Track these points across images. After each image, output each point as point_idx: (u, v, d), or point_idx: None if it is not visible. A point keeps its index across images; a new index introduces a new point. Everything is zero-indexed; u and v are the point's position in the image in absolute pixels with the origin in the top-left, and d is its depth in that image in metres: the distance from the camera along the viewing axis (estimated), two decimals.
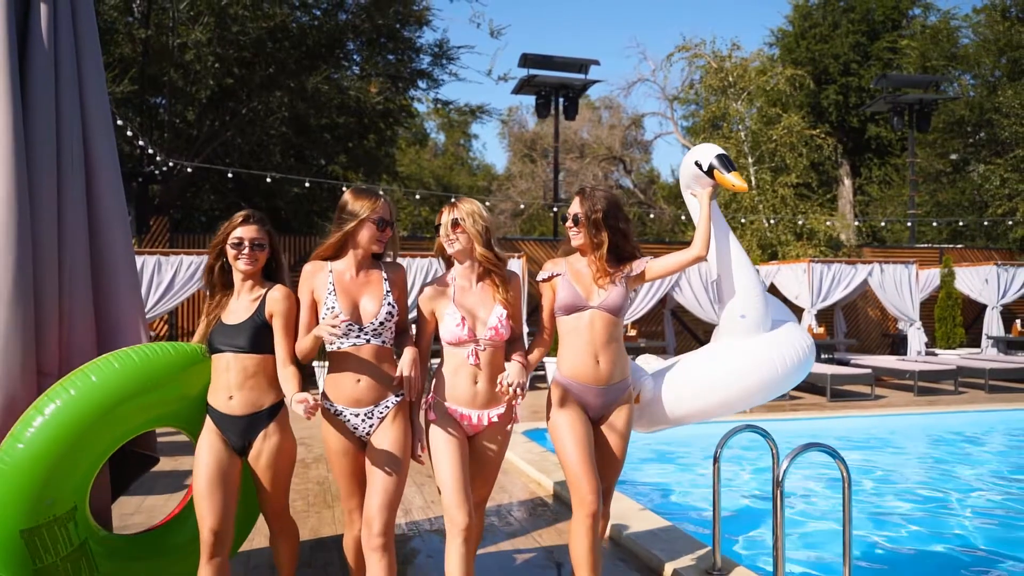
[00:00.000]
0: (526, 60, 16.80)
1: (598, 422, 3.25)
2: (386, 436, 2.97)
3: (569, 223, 3.25)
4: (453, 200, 3.08)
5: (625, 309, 3.25)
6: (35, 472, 2.69)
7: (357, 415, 2.97)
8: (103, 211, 3.30)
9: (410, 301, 11.86)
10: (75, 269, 3.16)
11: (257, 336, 3.02)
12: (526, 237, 22.02)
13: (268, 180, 13.60)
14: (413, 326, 3.20)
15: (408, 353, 3.00)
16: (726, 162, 3.35)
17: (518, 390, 2.88)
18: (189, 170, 13.46)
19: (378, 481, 2.92)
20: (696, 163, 3.41)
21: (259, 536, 4.72)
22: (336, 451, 3.02)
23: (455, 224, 3.01)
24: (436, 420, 3.04)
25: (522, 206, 33.47)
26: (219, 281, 3.14)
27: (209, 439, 3.03)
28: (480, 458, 3.13)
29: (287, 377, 2.99)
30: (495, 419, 3.07)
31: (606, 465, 3.25)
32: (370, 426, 2.99)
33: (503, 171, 41.61)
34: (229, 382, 3.01)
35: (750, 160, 16.95)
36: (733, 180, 3.30)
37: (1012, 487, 6.62)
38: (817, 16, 27.68)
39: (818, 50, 26.67)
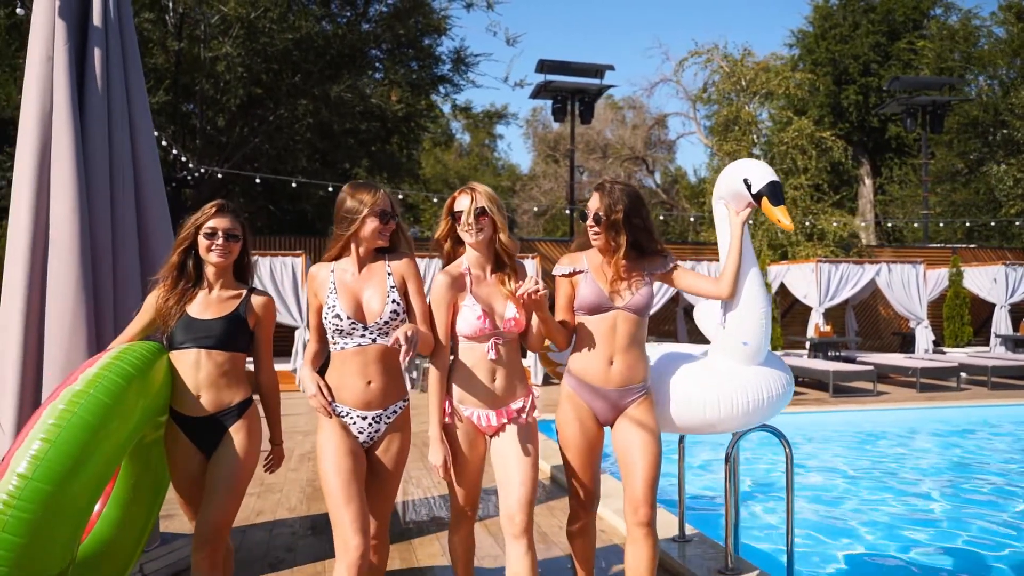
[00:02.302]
0: (543, 66, 17.30)
1: (612, 422, 3.07)
2: (394, 445, 2.89)
3: (589, 221, 3.02)
4: (471, 186, 2.89)
5: (650, 308, 3.09)
6: (67, 514, 2.45)
7: (365, 418, 2.82)
8: (149, 222, 3.83)
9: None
10: (127, 271, 3.69)
11: (234, 333, 2.90)
12: (544, 238, 22.50)
13: (293, 185, 14.23)
14: None
15: (407, 324, 2.68)
16: (778, 192, 3.06)
17: (538, 283, 2.73)
18: (220, 175, 14.13)
19: (381, 490, 2.90)
20: (745, 181, 3.11)
21: (281, 509, 5.28)
22: (337, 451, 2.76)
23: (482, 213, 2.83)
24: (452, 427, 2.91)
25: (535, 209, 33.83)
26: (191, 276, 2.94)
27: (180, 446, 2.90)
28: (505, 459, 2.92)
29: (270, 403, 3.05)
30: (514, 412, 2.92)
31: (633, 470, 2.97)
32: (376, 431, 2.85)
33: (527, 171, 42.11)
34: (198, 380, 2.86)
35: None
36: (780, 216, 3.01)
37: (996, 478, 6.98)
38: (837, 16, 27.81)
39: (838, 51, 26.81)
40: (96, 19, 3.66)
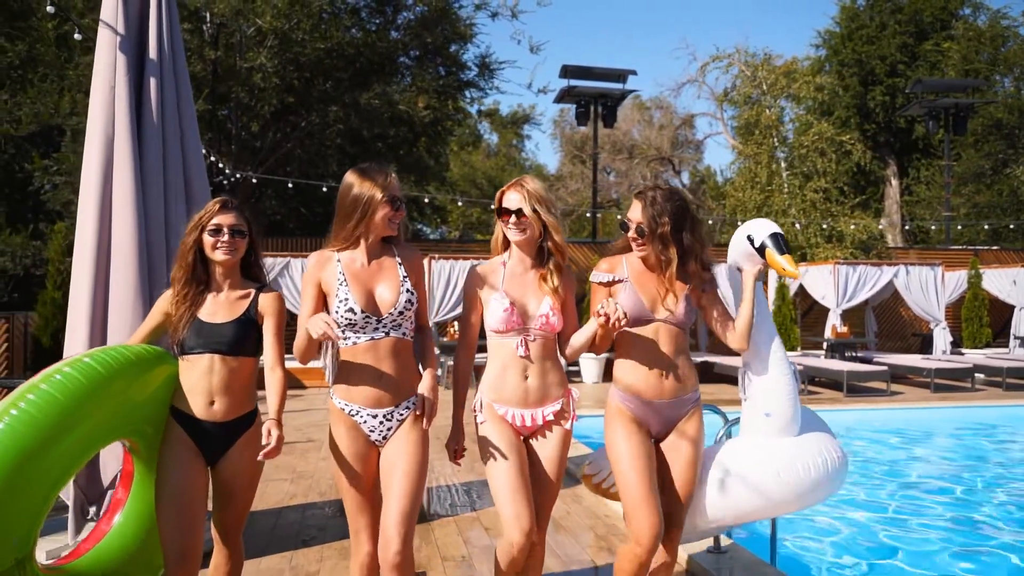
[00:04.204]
0: (566, 71, 17.69)
1: (662, 437, 2.96)
2: (406, 442, 2.70)
3: (632, 234, 2.87)
4: (522, 183, 2.81)
5: (692, 321, 2.94)
6: (12, 509, 2.33)
7: (375, 416, 2.70)
8: None
9: (441, 303, 12.72)
10: None
11: (245, 336, 2.81)
12: (568, 239, 22.84)
13: (324, 189, 14.77)
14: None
15: (428, 377, 2.72)
16: (780, 243, 3.01)
17: (626, 315, 2.59)
18: (254, 179, 14.71)
19: (397, 493, 2.64)
20: (748, 238, 3.10)
21: (312, 493, 5.74)
22: (348, 456, 2.70)
23: (532, 212, 2.76)
24: (487, 423, 2.81)
25: (555, 212, 34.08)
26: (200, 278, 2.85)
27: (179, 453, 2.77)
28: (537, 463, 2.85)
29: (273, 384, 2.77)
30: (550, 416, 2.82)
31: (674, 485, 2.91)
32: (388, 429, 2.72)
33: (554, 171, 42.42)
34: (211, 386, 2.75)
35: (783, 165, 17.53)
36: (784, 264, 2.96)
37: (1001, 476, 7.24)
38: (864, 17, 27.78)
39: (864, 51, 26.76)
40: (152, 53, 4.14)
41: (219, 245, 2.79)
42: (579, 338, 2.87)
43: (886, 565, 4.80)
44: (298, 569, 4.11)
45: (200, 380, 2.76)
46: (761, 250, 3.04)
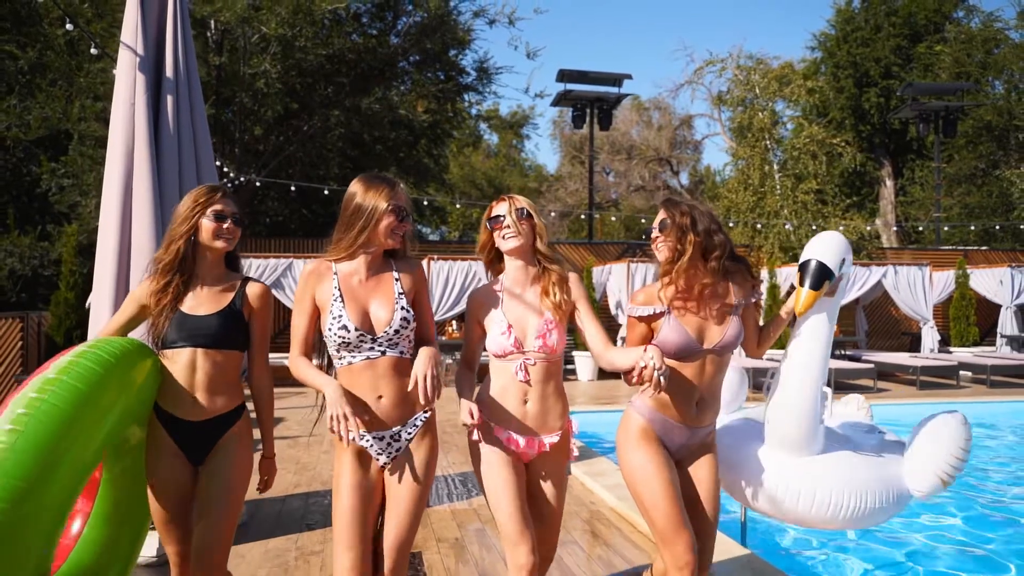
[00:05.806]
0: (563, 75, 18.01)
1: (679, 457, 2.84)
2: (410, 464, 2.57)
3: (655, 233, 2.78)
4: (509, 196, 2.75)
5: (738, 343, 2.78)
6: (40, 517, 2.11)
7: (382, 438, 2.55)
8: None
9: (440, 302, 13.02)
10: None
11: (231, 329, 2.67)
12: (566, 240, 23.14)
13: (326, 192, 15.10)
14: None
15: (424, 352, 2.51)
16: (818, 273, 2.78)
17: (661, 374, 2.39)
18: (257, 183, 15.03)
19: (395, 516, 2.55)
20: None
21: (315, 483, 6.04)
22: (351, 484, 2.54)
23: (524, 215, 2.69)
24: (484, 442, 2.68)
25: (552, 213, 34.41)
26: (186, 267, 2.69)
27: (166, 455, 2.64)
28: (535, 496, 2.74)
29: (262, 400, 2.74)
30: (547, 448, 2.71)
31: (703, 505, 2.80)
32: (397, 450, 2.57)
33: (554, 171, 42.69)
34: (195, 381, 2.62)
35: (775, 167, 17.85)
36: (800, 297, 2.78)
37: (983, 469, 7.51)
38: (859, 20, 28.11)
39: (859, 53, 27.10)
40: (168, 72, 4.47)
41: (221, 232, 2.68)
42: (617, 364, 2.63)
43: (855, 550, 5.06)
44: (303, 549, 4.43)
45: (181, 375, 2.62)
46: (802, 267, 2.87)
